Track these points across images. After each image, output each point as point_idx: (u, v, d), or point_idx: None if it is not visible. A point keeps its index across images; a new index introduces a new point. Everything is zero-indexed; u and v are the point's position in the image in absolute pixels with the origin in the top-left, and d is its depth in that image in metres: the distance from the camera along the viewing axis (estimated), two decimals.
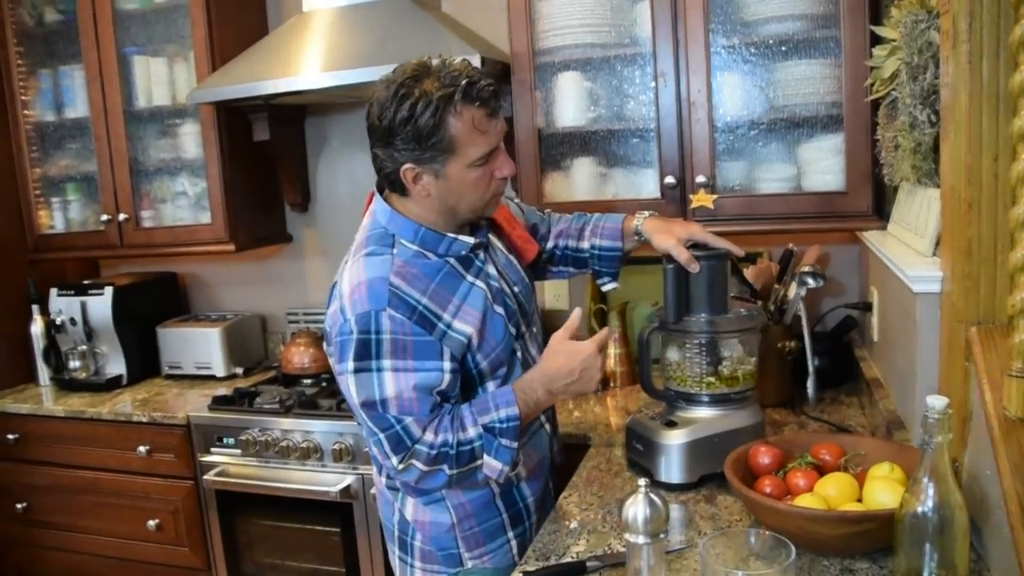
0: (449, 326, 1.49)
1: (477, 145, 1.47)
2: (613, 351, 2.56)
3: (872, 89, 1.91)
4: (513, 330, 1.62)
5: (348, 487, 2.43)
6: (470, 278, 1.57)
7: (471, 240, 1.59)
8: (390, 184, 1.55)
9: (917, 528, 1.11)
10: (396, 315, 1.44)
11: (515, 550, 1.69)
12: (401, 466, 1.48)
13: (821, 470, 1.49)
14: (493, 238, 1.71)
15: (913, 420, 1.61)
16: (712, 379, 1.73)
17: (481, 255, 1.63)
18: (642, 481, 1.18)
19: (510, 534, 1.68)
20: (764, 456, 1.53)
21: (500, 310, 1.59)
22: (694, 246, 1.70)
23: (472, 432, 1.48)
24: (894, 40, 1.79)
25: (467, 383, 1.57)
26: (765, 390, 2.08)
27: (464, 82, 1.43)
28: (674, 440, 1.69)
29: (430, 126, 1.42)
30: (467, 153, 1.47)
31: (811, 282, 2.05)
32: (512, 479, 1.65)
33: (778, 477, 1.49)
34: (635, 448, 1.80)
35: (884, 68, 1.85)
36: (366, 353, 1.44)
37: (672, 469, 1.69)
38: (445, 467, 1.48)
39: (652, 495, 1.17)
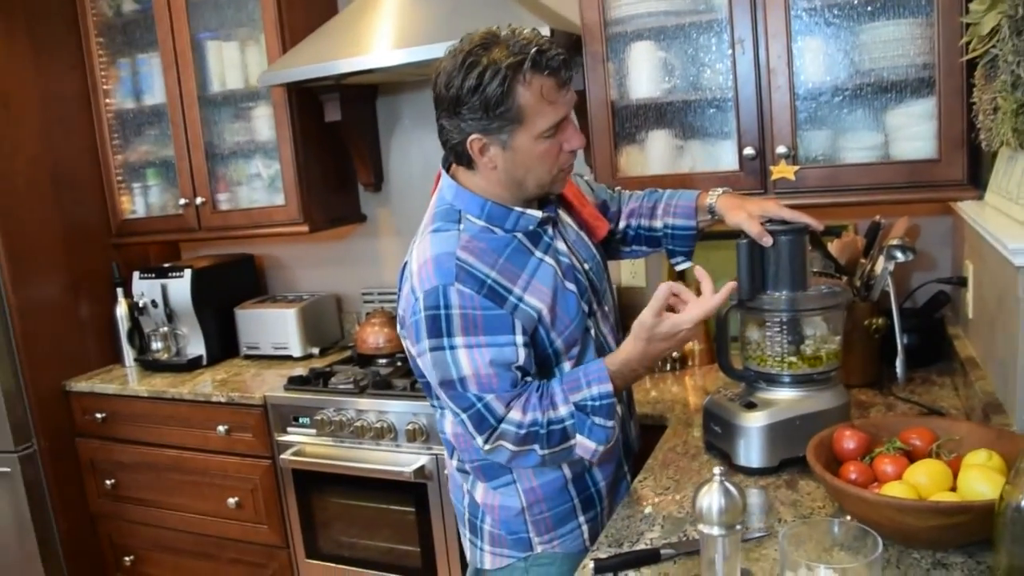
0: (520, 299, 1.46)
1: (545, 115, 1.43)
2: None
3: (968, 48, 1.78)
4: (585, 307, 1.59)
5: (422, 467, 2.43)
6: (539, 254, 1.54)
7: (539, 214, 1.55)
8: (456, 157, 1.52)
9: (1021, 523, 1.03)
10: (465, 289, 1.41)
11: (586, 535, 1.65)
12: (488, 446, 1.46)
13: (911, 456, 1.41)
14: (563, 214, 1.67)
15: (1014, 404, 1.51)
16: (794, 359, 1.65)
17: (550, 231, 1.58)
18: (717, 469, 1.12)
19: (581, 519, 1.65)
20: (849, 440, 1.44)
21: (571, 287, 1.55)
22: (771, 221, 1.62)
23: (563, 410, 1.44)
24: None
25: (543, 364, 1.54)
26: (851, 369, 1.99)
27: (533, 50, 1.40)
28: (754, 422, 1.62)
29: (498, 95, 1.39)
30: (535, 123, 1.43)
31: (900, 256, 1.95)
32: (585, 464, 1.61)
33: (864, 463, 1.41)
34: (713, 430, 1.73)
35: (982, 24, 1.72)
36: (437, 331, 1.42)
37: (752, 453, 1.63)
38: (536, 447, 1.45)
39: (727, 484, 1.12)
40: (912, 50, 2.02)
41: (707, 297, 1.47)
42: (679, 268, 1.86)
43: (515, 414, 1.43)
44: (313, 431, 2.60)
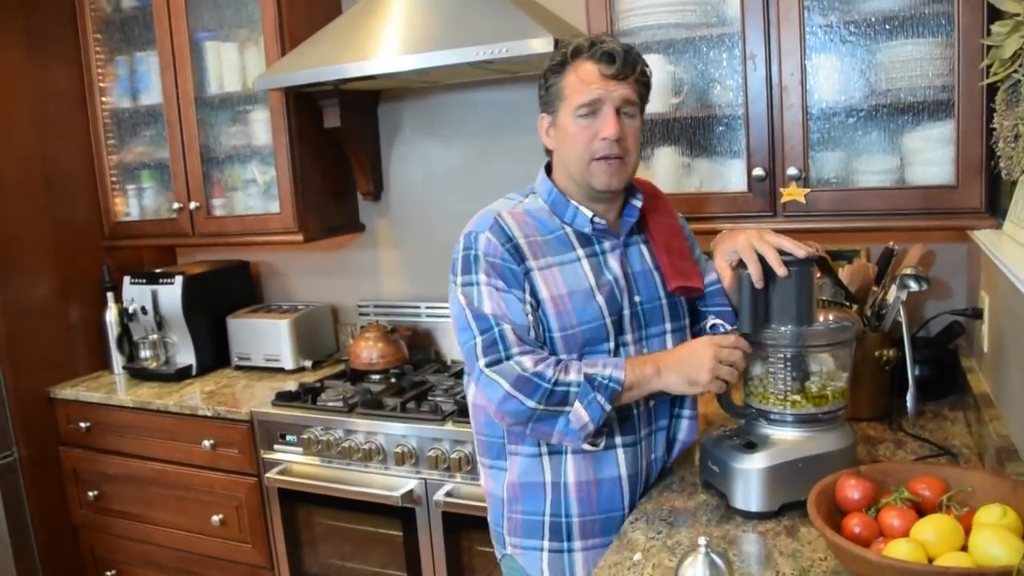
0: (530, 271, 1.55)
1: (580, 94, 1.53)
2: None
3: (989, 71, 1.69)
4: (611, 328, 1.58)
5: (411, 492, 2.34)
6: (580, 252, 1.60)
7: (590, 213, 1.60)
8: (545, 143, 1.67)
9: None
10: (492, 238, 1.54)
11: (545, 564, 1.63)
12: (489, 371, 1.49)
13: (919, 508, 1.31)
14: (643, 247, 1.69)
15: None
16: (797, 397, 1.56)
17: (606, 244, 1.63)
18: (702, 540, 1.03)
19: (544, 543, 1.63)
20: (853, 490, 1.35)
21: (600, 299, 1.57)
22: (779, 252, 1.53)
23: (573, 376, 1.48)
24: (1018, 15, 1.57)
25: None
26: (859, 402, 1.90)
27: (584, 41, 1.55)
28: (753, 464, 1.53)
29: (551, 70, 1.58)
30: (571, 101, 1.54)
31: (913, 285, 1.86)
32: (562, 488, 1.61)
33: (869, 515, 1.31)
34: (710, 469, 1.64)
35: (1005, 47, 1.62)
36: (468, 268, 1.55)
37: (750, 496, 1.53)
38: (531, 400, 1.47)
39: (713, 555, 1.03)
40: (931, 71, 1.93)
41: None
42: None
43: (526, 360, 1.48)
44: (300, 449, 2.52)
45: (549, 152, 1.67)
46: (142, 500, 2.89)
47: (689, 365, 1.50)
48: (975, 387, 1.91)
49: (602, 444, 1.58)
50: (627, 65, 1.53)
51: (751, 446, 1.56)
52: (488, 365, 1.50)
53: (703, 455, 1.68)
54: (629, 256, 1.66)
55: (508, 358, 1.49)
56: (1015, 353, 1.59)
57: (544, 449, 1.60)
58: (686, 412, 1.73)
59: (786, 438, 1.56)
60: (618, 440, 1.62)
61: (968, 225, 1.94)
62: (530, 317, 1.53)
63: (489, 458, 1.69)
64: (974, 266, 2.19)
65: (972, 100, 1.86)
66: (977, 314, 1.95)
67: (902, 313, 1.84)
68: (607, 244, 1.63)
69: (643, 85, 1.59)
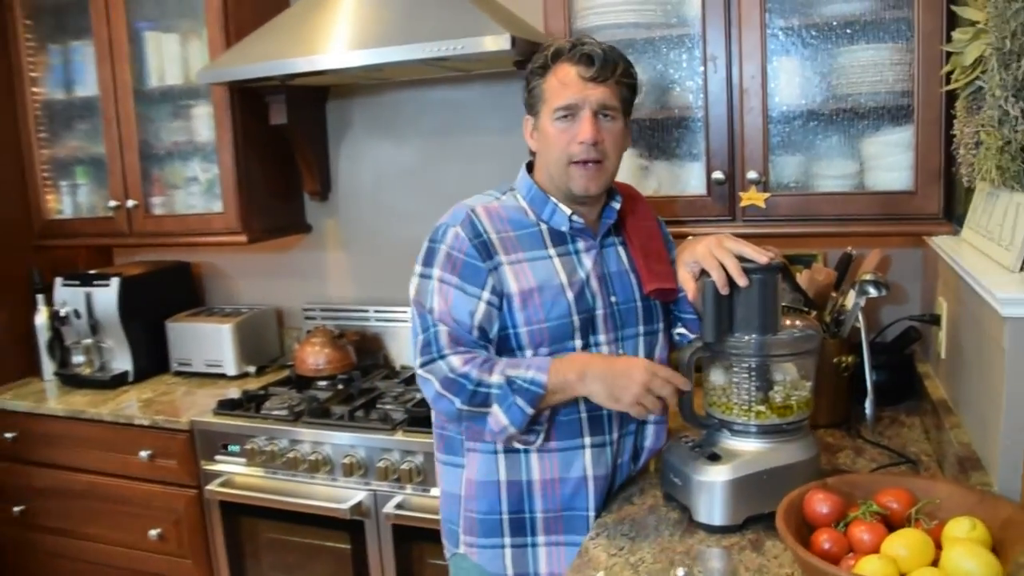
0: (499, 266, 1.53)
1: (559, 96, 1.53)
2: None
3: (951, 78, 1.68)
4: (577, 324, 1.56)
5: (360, 504, 2.26)
6: (551, 251, 1.59)
7: (568, 211, 1.59)
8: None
9: None
10: (461, 233, 1.53)
11: (508, 561, 1.61)
12: (421, 371, 1.53)
13: (888, 521, 1.28)
14: (620, 249, 1.67)
15: (994, 462, 1.40)
16: (762, 408, 1.52)
17: (580, 244, 1.61)
18: (680, 571, 0.97)
19: (506, 540, 1.61)
20: (822, 504, 1.31)
21: (570, 295, 1.56)
22: (742, 259, 1.49)
23: (495, 378, 1.47)
24: (979, 23, 1.56)
25: (503, 343, 1.57)
26: (817, 409, 1.83)
27: (565, 43, 1.55)
28: (717, 476, 1.48)
29: (533, 72, 1.57)
30: (551, 103, 1.54)
31: (873, 291, 1.85)
32: (524, 482, 1.59)
33: (839, 530, 1.27)
34: (671, 481, 1.59)
35: (966, 54, 1.62)
36: (427, 260, 1.57)
37: (714, 509, 1.48)
38: (457, 400, 1.49)
39: None
40: (891, 76, 1.92)
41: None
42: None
43: (456, 360, 1.49)
44: (243, 460, 2.42)
45: (533, 153, 1.66)
46: (73, 515, 2.75)
47: (615, 382, 1.46)
48: (932, 393, 1.90)
49: (537, 442, 1.54)
50: (606, 67, 1.52)
51: (714, 458, 1.52)
52: (422, 365, 1.54)
53: (664, 467, 1.63)
54: (605, 257, 1.65)
55: (441, 357, 1.51)
56: (975, 360, 1.57)
57: (500, 447, 1.58)
58: (653, 417, 1.69)
59: (750, 449, 1.52)
60: (587, 440, 1.60)
61: (926, 231, 1.93)
62: (477, 316, 1.52)
63: (445, 453, 1.68)
64: (929, 271, 2.18)
65: (931, 106, 1.86)
66: (935, 320, 1.95)
67: (860, 319, 1.83)
68: (581, 244, 1.62)
69: (627, 87, 1.58)
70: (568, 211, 1.59)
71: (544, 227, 1.60)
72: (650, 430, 1.71)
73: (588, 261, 1.61)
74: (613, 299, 1.62)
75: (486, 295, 1.52)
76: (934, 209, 1.90)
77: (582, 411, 1.58)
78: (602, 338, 1.60)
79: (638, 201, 1.73)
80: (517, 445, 1.55)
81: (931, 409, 1.88)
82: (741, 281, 1.46)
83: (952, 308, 1.81)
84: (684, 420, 1.58)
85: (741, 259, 1.48)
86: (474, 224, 1.55)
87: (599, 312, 1.59)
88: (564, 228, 1.60)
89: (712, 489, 1.49)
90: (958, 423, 1.68)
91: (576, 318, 1.56)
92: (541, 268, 1.56)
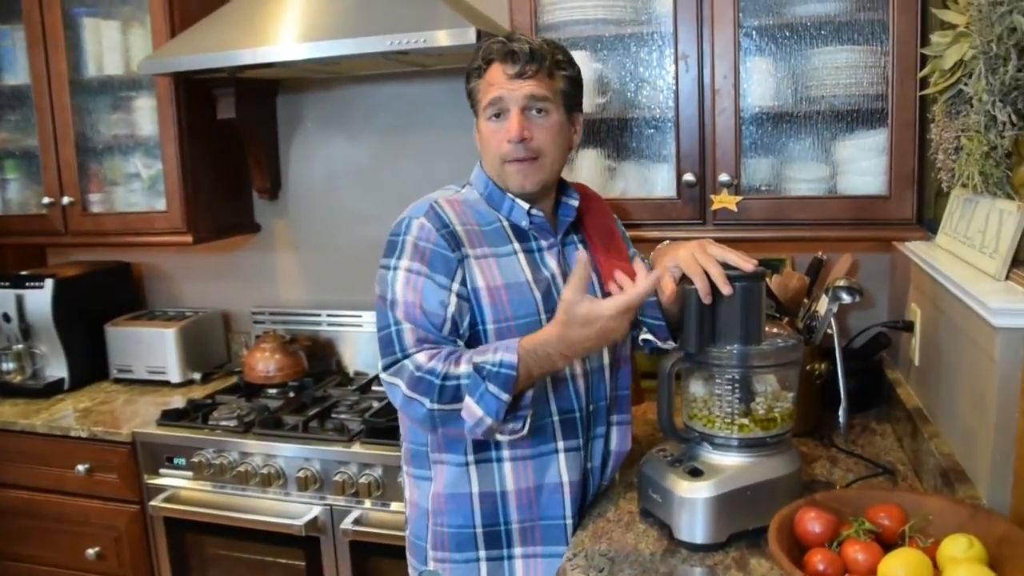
0: (466, 258, 1.47)
1: (486, 95, 1.50)
2: None
3: (930, 81, 1.64)
4: (545, 323, 1.45)
5: (315, 519, 2.15)
6: (516, 246, 1.54)
7: (526, 206, 1.53)
8: None
9: None
10: (426, 223, 1.47)
11: (484, 574, 1.54)
12: (386, 375, 1.44)
13: (881, 539, 1.23)
14: (580, 248, 1.62)
15: (983, 475, 1.37)
16: (745, 420, 1.46)
17: (542, 241, 1.56)
18: None
19: (481, 553, 1.54)
20: (814, 523, 1.25)
21: (537, 294, 1.51)
22: (725, 267, 1.43)
23: (463, 368, 1.37)
24: (959, 26, 1.52)
25: (473, 341, 1.49)
26: None
27: (494, 42, 1.50)
28: (699, 493, 1.42)
29: (469, 74, 1.55)
30: (482, 103, 1.52)
31: (846, 297, 1.80)
32: (497, 492, 1.51)
33: (832, 551, 1.22)
34: (650, 497, 1.53)
35: (945, 57, 1.58)
36: (390, 252, 1.49)
37: (696, 527, 1.42)
38: (426, 400, 1.38)
39: None
40: (865, 79, 1.89)
41: (628, 286, 1.34)
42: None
43: (421, 356, 1.40)
44: (190, 474, 2.28)
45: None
46: (5, 534, 2.57)
47: (601, 339, 1.34)
48: (906, 401, 1.88)
49: (524, 428, 1.40)
50: (532, 62, 1.47)
51: (696, 473, 1.45)
52: (386, 368, 1.44)
53: (641, 482, 1.56)
54: (567, 256, 1.60)
55: (405, 356, 1.42)
56: (956, 369, 1.54)
57: (471, 458, 1.51)
58: (619, 418, 1.66)
59: (733, 464, 1.46)
60: (560, 445, 1.54)
61: (899, 236, 1.90)
62: (450, 309, 1.45)
63: (413, 467, 1.60)
64: (898, 277, 2.16)
65: (906, 109, 1.83)
66: (908, 327, 1.92)
67: (834, 326, 1.79)
68: (544, 242, 1.57)
69: (566, 80, 1.53)
70: (525, 205, 1.54)
71: (506, 223, 1.55)
72: (617, 432, 1.66)
73: (551, 260, 1.56)
74: None
75: (456, 286, 1.46)
76: (908, 214, 1.88)
77: (554, 414, 1.53)
78: None
79: (595, 200, 1.71)
80: (501, 438, 1.43)
81: (904, 417, 1.85)
82: (725, 290, 1.39)
83: (928, 315, 1.78)
84: (663, 433, 1.52)
85: (725, 266, 1.42)
86: (439, 215, 1.49)
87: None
88: (524, 223, 1.55)
89: (695, 506, 1.42)
90: (936, 432, 1.65)
91: (543, 317, 1.50)
92: (507, 265, 1.51)
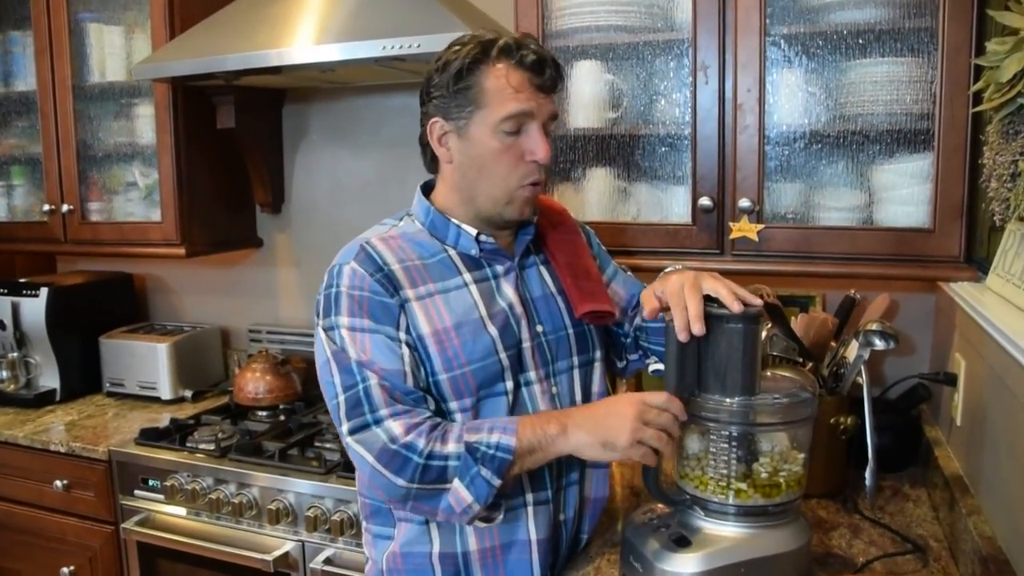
0: (406, 302, 1.29)
1: (506, 103, 1.28)
2: None
3: (984, 96, 1.42)
4: (506, 363, 1.33)
5: (286, 555, 1.99)
6: (467, 277, 1.36)
7: (473, 231, 1.37)
8: (424, 154, 1.42)
9: None
10: (358, 269, 1.30)
11: None
12: (351, 440, 1.24)
13: None
14: (543, 269, 1.46)
15: None
16: (743, 485, 1.25)
17: (497, 267, 1.39)
18: None
19: None
20: None
21: (493, 331, 1.33)
22: (712, 301, 1.23)
23: (452, 447, 1.22)
24: (1021, 30, 1.31)
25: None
26: (809, 476, 1.59)
27: (508, 40, 1.30)
28: (684, 567, 1.22)
29: (459, 68, 1.29)
30: (495, 110, 1.29)
31: (879, 343, 1.60)
32: (459, 559, 1.35)
33: None
34: (631, 565, 1.32)
35: (1003, 68, 1.36)
36: (327, 310, 1.31)
37: None
38: (402, 477, 1.21)
39: None
40: (908, 96, 1.67)
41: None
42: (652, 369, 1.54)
43: (396, 426, 1.22)
44: (162, 497, 2.15)
45: (436, 166, 1.41)
46: None
47: (605, 424, 1.22)
48: (945, 466, 1.64)
49: (499, 518, 1.30)
50: (558, 76, 1.33)
51: (682, 542, 1.25)
52: (352, 432, 1.24)
53: (624, 546, 1.36)
54: (527, 280, 1.44)
55: (376, 422, 1.23)
56: (1005, 434, 1.31)
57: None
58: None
59: (726, 535, 1.25)
60: (529, 498, 1.37)
61: (943, 276, 1.68)
62: (406, 360, 1.28)
63: (374, 523, 1.43)
64: (943, 322, 1.92)
65: (955, 131, 1.61)
66: (950, 380, 1.68)
67: (864, 374, 1.58)
68: (499, 268, 1.40)
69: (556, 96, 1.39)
70: (472, 231, 1.37)
71: (453, 252, 1.38)
72: (595, 477, 1.48)
73: (508, 288, 1.39)
74: (540, 328, 1.40)
75: (403, 335, 1.29)
76: (954, 251, 1.65)
77: None
78: (532, 375, 1.38)
79: (557, 212, 1.52)
80: (478, 524, 1.30)
81: (942, 483, 1.61)
82: (694, 328, 1.19)
83: (973, 368, 1.55)
84: (650, 493, 1.32)
85: (716, 303, 1.21)
86: (371, 256, 1.31)
87: (525, 345, 1.37)
88: (473, 252, 1.37)
89: None
90: (977, 508, 1.41)
91: (503, 355, 1.34)
92: (456, 300, 1.33)
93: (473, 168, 1.33)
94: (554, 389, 1.41)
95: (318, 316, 1.33)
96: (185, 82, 2.32)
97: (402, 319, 1.29)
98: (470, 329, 1.32)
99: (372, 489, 1.29)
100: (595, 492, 1.48)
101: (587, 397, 1.45)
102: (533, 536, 1.36)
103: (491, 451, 1.20)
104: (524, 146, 1.31)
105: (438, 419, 1.27)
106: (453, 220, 1.37)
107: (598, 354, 1.49)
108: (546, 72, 1.30)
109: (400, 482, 1.21)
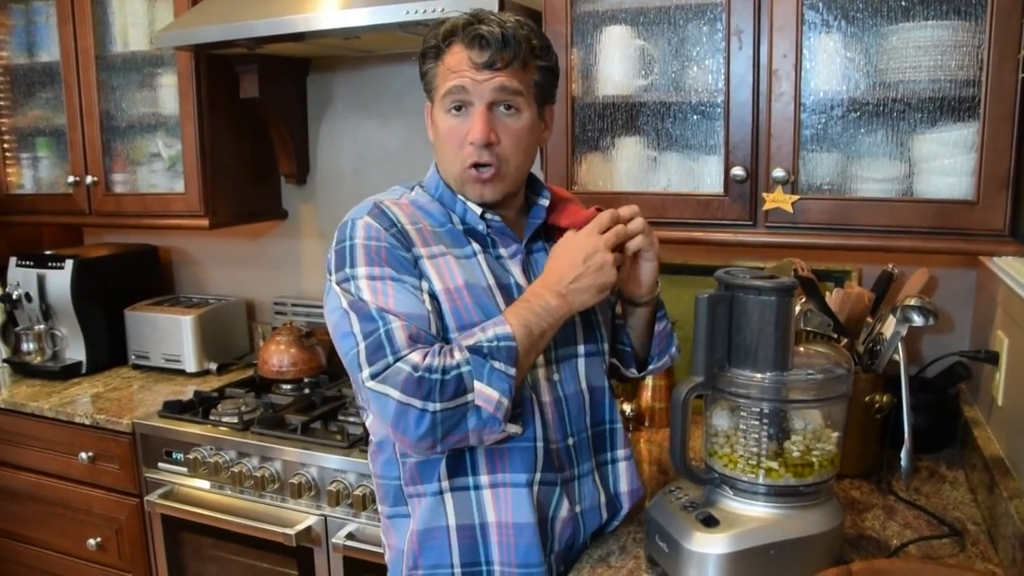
0: (419, 259, 1.28)
1: (446, 82, 1.28)
2: (650, 381, 2.06)
3: None
4: None
5: (308, 529, 1.97)
6: (475, 247, 1.34)
7: (479, 209, 1.34)
8: None
9: None
10: (372, 223, 1.28)
11: None
12: (374, 384, 1.17)
13: None
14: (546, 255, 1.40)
15: None
16: (774, 464, 1.21)
17: (502, 249, 1.36)
18: None
19: None
20: None
21: (500, 301, 1.30)
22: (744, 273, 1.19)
23: (458, 356, 1.19)
24: None
25: None
26: (843, 456, 1.54)
27: (468, 18, 1.28)
28: (711, 547, 1.18)
29: (423, 51, 1.32)
30: (439, 89, 1.30)
31: (917, 319, 1.55)
32: (477, 530, 1.31)
33: None
34: (657, 545, 1.29)
35: None
36: (342, 262, 1.27)
37: None
38: (429, 403, 1.16)
39: None
40: (953, 61, 1.59)
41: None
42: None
43: (415, 356, 1.18)
44: (186, 470, 2.14)
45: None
46: (13, 516, 2.49)
47: (591, 274, 1.25)
48: (984, 447, 1.58)
49: (521, 431, 1.27)
50: (505, 50, 1.25)
51: (710, 522, 1.21)
52: (373, 376, 1.18)
53: (648, 525, 1.33)
54: (534, 265, 1.40)
55: (397, 360, 1.18)
56: None
57: (446, 485, 1.31)
58: (617, 454, 1.44)
59: (756, 515, 1.21)
60: (537, 476, 1.31)
61: (987, 250, 1.60)
62: (428, 306, 1.25)
63: (388, 505, 1.40)
64: (984, 298, 1.86)
65: (1003, 98, 1.53)
66: (991, 358, 1.62)
67: (901, 351, 1.53)
68: (504, 250, 1.37)
69: (542, 71, 1.32)
70: (478, 209, 1.34)
71: (461, 226, 1.36)
72: (619, 470, 1.45)
73: (515, 269, 1.36)
74: None
75: (425, 285, 1.27)
76: (999, 224, 1.57)
77: (538, 439, 1.30)
78: (538, 359, 1.31)
79: (571, 202, 1.45)
80: (510, 429, 1.23)
81: (981, 465, 1.56)
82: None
83: (1017, 346, 1.49)
84: (676, 470, 1.28)
85: (758, 277, 1.17)
86: (385, 214, 1.30)
87: None
88: (480, 228, 1.35)
89: (704, 562, 1.18)
90: (1018, 491, 1.36)
91: None
92: (466, 265, 1.31)
93: (438, 146, 1.35)
94: (556, 376, 1.36)
95: (330, 272, 1.29)
96: (207, 50, 2.29)
97: (417, 271, 1.27)
98: (479, 292, 1.29)
99: (402, 438, 1.21)
100: (627, 485, 1.45)
101: (590, 388, 1.41)
102: (550, 514, 1.32)
103: (493, 343, 1.19)
104: (465, 127, 1.28)
105: (439, 344, 1.24)
106: (459, 196, 1.35)
107: (605, 347, 1.45)
108: (489, 47, 1.25)
109: (430, 407, 1.16)
